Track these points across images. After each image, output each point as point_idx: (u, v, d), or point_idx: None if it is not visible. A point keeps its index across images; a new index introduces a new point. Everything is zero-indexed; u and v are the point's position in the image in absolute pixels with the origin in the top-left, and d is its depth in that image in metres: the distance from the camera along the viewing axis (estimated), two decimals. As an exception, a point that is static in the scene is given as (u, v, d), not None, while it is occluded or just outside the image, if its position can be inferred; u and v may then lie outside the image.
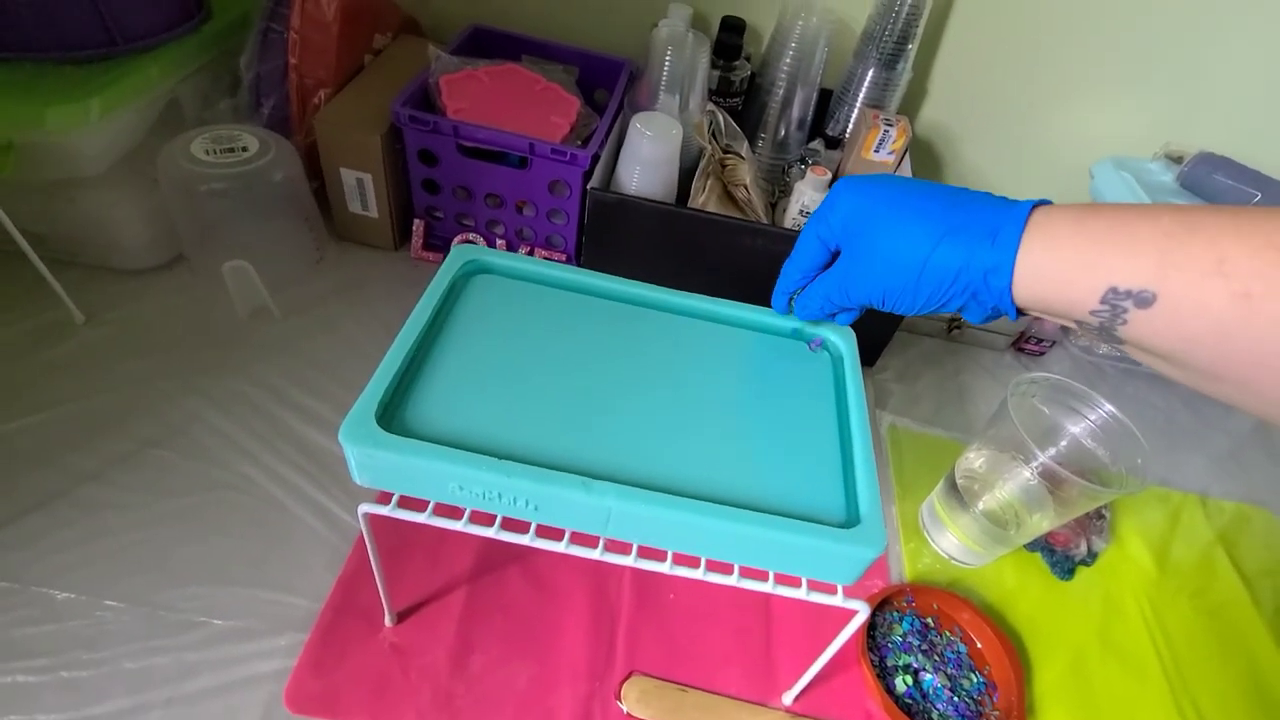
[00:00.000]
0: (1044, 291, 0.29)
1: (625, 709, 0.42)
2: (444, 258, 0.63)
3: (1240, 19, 0.69)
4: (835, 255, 0.37)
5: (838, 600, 0.33)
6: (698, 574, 0.33)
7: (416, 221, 0.69)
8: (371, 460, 0.31)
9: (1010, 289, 0.30)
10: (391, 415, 0.32)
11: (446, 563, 0.47)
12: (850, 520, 0.33)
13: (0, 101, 0.48)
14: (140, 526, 0.46)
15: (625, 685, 0.44)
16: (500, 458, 0.31)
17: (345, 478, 0.50)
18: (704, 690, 0.44)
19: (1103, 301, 0.27)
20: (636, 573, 0.49)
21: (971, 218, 0.30)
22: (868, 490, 0.34)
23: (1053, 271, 0.29)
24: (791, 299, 0.40)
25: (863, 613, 0.34)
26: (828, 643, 0.39)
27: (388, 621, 0.43)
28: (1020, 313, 0.31)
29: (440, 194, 0.67)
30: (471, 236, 0.69)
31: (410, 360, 0.35)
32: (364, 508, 0.33)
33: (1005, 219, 0.30)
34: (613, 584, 0.49)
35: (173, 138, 0.56)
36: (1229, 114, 0.76)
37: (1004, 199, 0.31)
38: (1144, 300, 0.26)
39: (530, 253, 0.69)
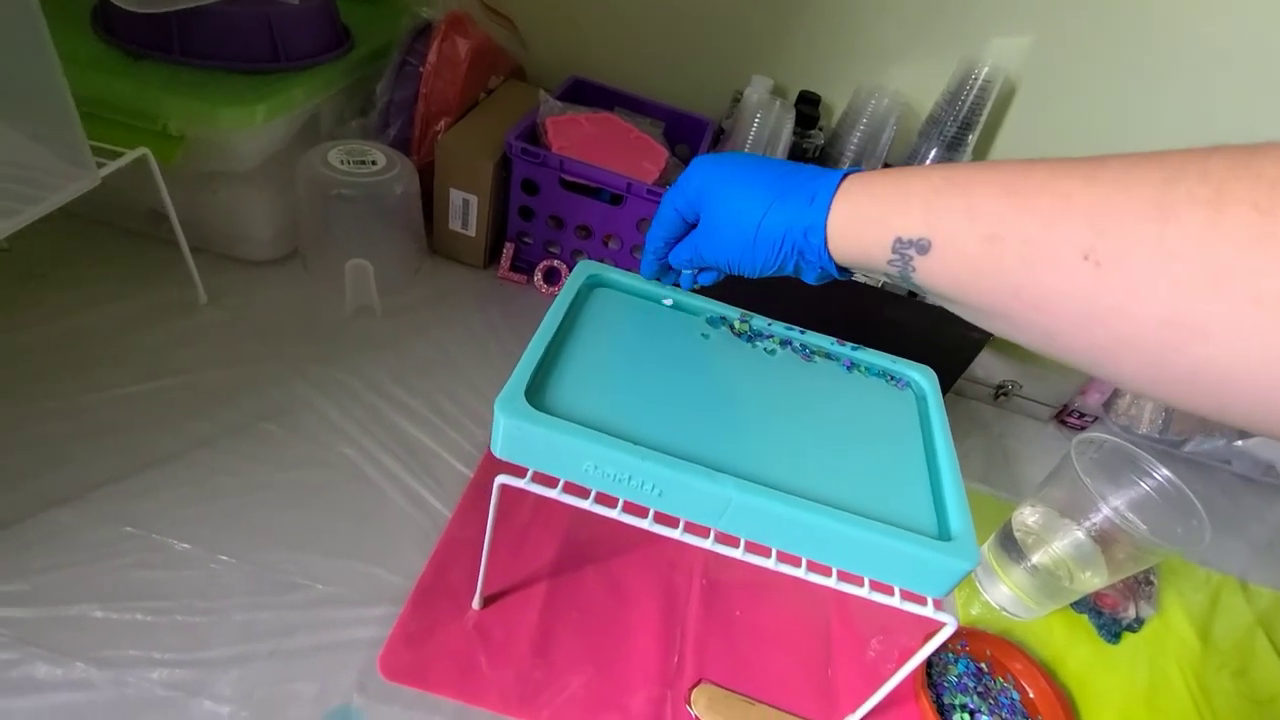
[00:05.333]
0: (850, 246, 0.33)
1: (694, 714, 0.44)
2: (527, 279, 0.68)
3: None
4: (693, 225, 0.40)
5: (928, 611, 0.36)
6: (799, 572, 0.36)
7: (508, 244, 0.74)
8: (519, 432, 0.34)
9: (825, 246, 0.33)
10: (534, 396, 0.36)
11: (528, 558, 0.50)
12: (943, 535, 0.35)
13: (183, 99, 0.54)
14: (249, 492, 0.48)
15: (694, 692, 0.45)
16: (630, 443, 0.34)
17: (436, 466, 0.54)
18: (770, 705, 0.46)
19: (894, 251, 0.30)
20: (705, 587, 0.51)
21: (797, 185, 0.34)
22: (958, 509, 0.36)
23: (854, 227, 0.32)
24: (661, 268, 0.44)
25: (951, 625, 0.36)
26: (883, 679, 0.41)
27: (475, 604, 0.46)
28: (843, 270, 0.35)
29: (534, 220, 0.72)
30: (556, 264, 0.74)
31: (546, 352, 0.39)
32: (501, 478, 0.36)
33: (821, 185, 0.33)
34: (682, 595, 0.51)
35: (308, 148, 0.62)
36: None
37: (827, 170, 0.35)
38: (922, 248, 0.29)
39: (609, 283, 0.74)
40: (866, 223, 0.32)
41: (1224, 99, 0.75)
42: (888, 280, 0.35)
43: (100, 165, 0.47)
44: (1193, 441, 0.78)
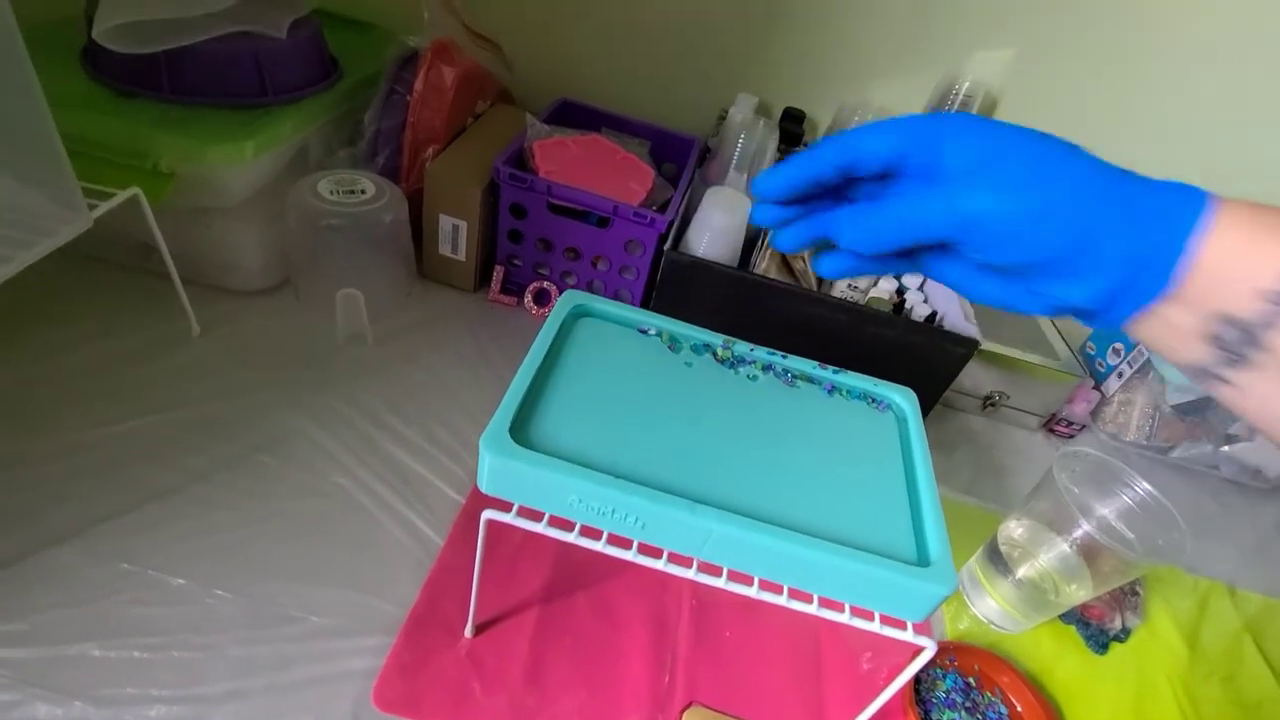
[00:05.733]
0: (1209, 286, 0.25)
1: (685, 736, 0.45)
2: (518, 301, 0.69)
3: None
4: (835, 190, 0.31)
5: (907, 635, 0.36)
6: (781, 600, 0.36)
7: (498, 267, 0.75)
8: (504, 468, 0.35)
9: (1171, 270, 0.25)
10: (518, 432, 0.37)
11: (519, 585, 0.50)
12: (921, 560, 0.36)
13: (172, 136, 0.55)
14: (244, 524, 0.49)
15: (686, 714, 0.46)
16: (613, 477, 0.35)
17: (428, 494, 0.54)
18: (759, 725, 0.46)
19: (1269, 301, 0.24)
20: (695, 608, 0.52)
21: (1133, 192, 0.26)
22: (936, 534, 0.37)
23: (1242, 234, 0.25)
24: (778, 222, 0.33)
25: (930, 649, 0.37)
26: (874, 694, 0.42)
27: (467, 632, 0.46)
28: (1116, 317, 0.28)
29: (523, 243, 0.73)
30: (546, 285, 0.75)
31: (531, 386, 0.39)
32: (487, 513, 0.37)
33: (1179, 198, 0.26)
34: (672, 617, 0.51)
35: (297, 178, 0.63)
36: None
37: (1163, 180, 0.27)
38: None
39: (599, 303, 0.75)
40: (1262, 231, 0.24)
41: (1205, 104, 0.77)
42: (1195, 369, 0.27)
43: (92, 206, 0.48)
44: (1180, 448, 0.79)
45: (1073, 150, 0.28)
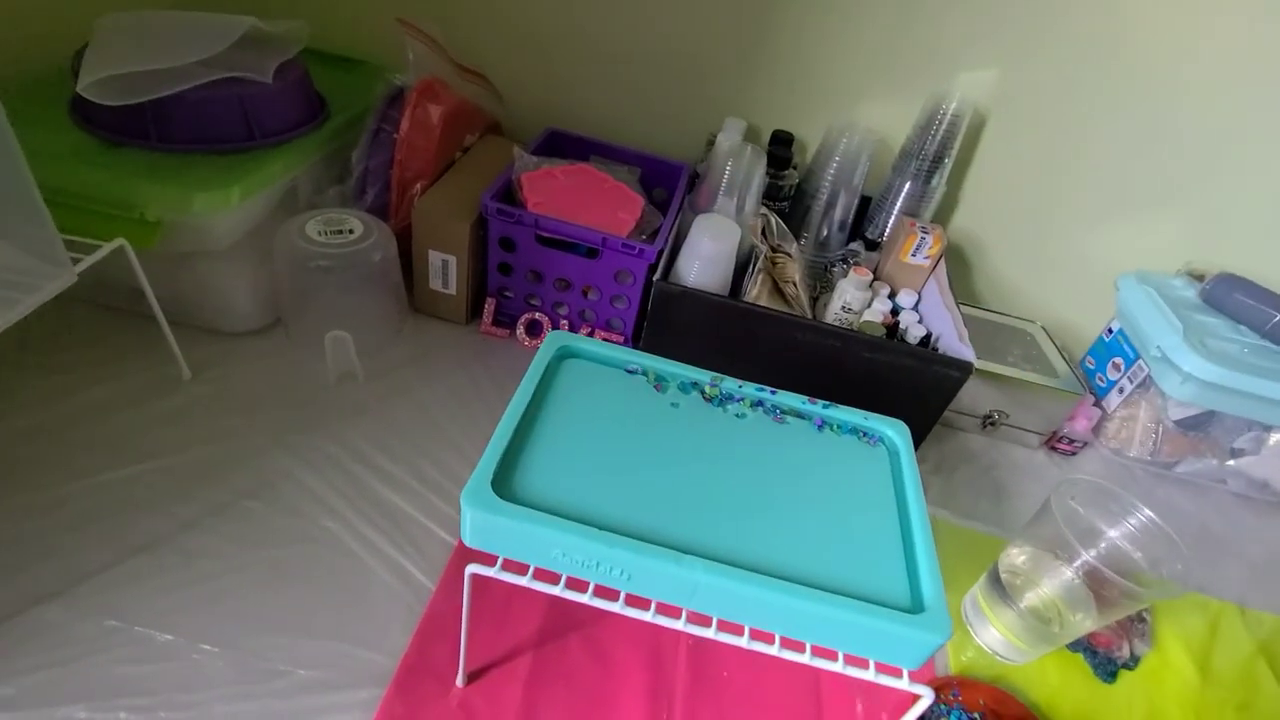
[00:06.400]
0: None
1: (683, 785, 0.44)
2: (510, 333, 0.69)
3: (1259, 147, 0.76)
4: None
5: (903, 684, 0.36)
6: (772, 650, 0.36)
7: (489, 300, 0.74)
8: (486, 523, 0.34)
9: None
10: (501, 484, 0.36)
11: (511, 630, 0.50)
12: (915, 606, 0.35)
13: (159, 185, 0.55)
14: (233, 573, 0.49)
15: (682, 761, 0.45)
16: (597, 529, 0.34)
17: (420, 537, 0.54)
18: (758, 771, 0.45)
19: None
20: (692, 650, 0.51)
21: None
22: (930, 578, 0.36)
23: None
24: None
25: (927, 697, 0.36)
26: None
27: (459, 681, 0.46)
28: None
29: (513, 276, 0.73)
30: (538, 316, 0.75)
31: (514, 435, 0.39)
32: (471, 568, 0.36)
33: None
34: (668, 659, 0.51)
35: (287, 218, 0.63)
36: (1248, 235, 0.82)
37: None
38: None
39: (591, 333, 0.75)
40: None
41: (1184, 117, 0.76)
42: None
43: (76, 260, 0.48)
44: (1184, 463, 0.78)
45: None
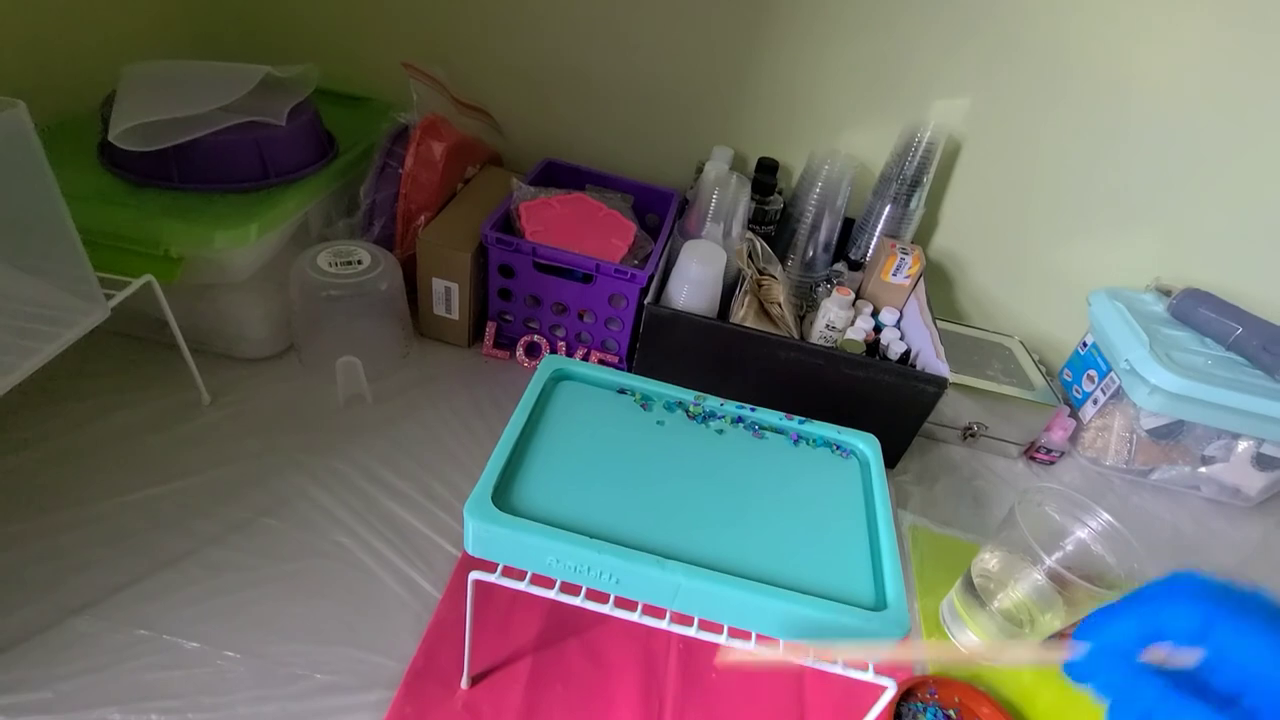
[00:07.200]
0: None
1: (673, 778, 0.47)
2: (510, 355, 0.73)
3: (1222, 169, 0.80)
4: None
5: (868, 676, 0.39)
6: (749, 646, 0.39)
7: (490, 324, 0.78)
8: (487, 533, 0.38)
9: None
10: (501, 497, 0.40)
11: (513, 634, 0.53)
12: (879, 604, 0.39)
13: (181, 224, 0.59)
14: (253, 586, 0.52)
15: None
16: (588, 537, 0.38)
17: (427, 550, 0.57)
18: (744, 765, 0.48)
19: None
20: (682, 652, 0.54)
21: None
22: (893, 579, 0.40)
23: None
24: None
25: (890, 689, 0.39)
26: None
27: (463, 684, 0.49)
28: None
29: (512, 301, 0.77)
30: (536, 338, 0.79)
31: (513, 452, 0.43)
32: (474, 575, 0.40)
33: None
34: (660, 661, 0.54)
35: (300, 249, 0.67)
36: (1214, 251, 0.86)
37: None
38: None
39: (587, 355, 0.78)
40: None
41: (1149, 138, 0.80)
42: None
43: (109, 296, 0.52)
44: (1158, 470, 0.81)
45: None
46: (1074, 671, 0.29)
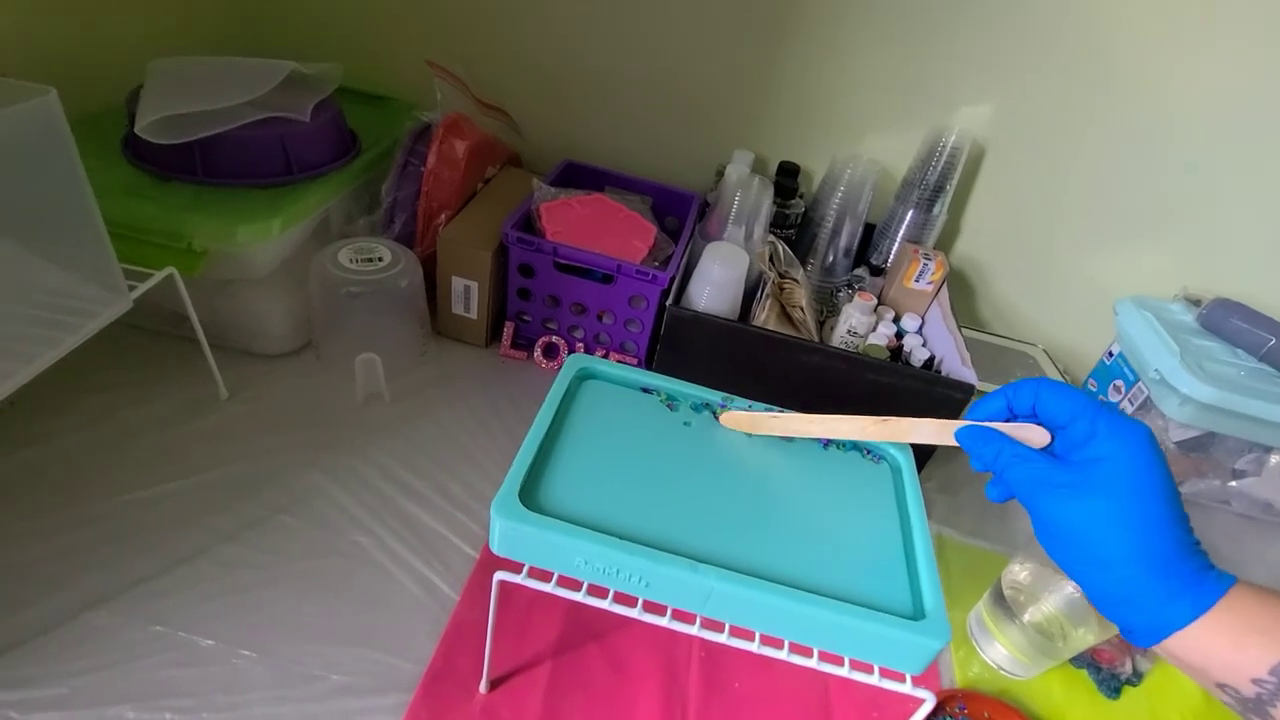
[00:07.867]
0: (1204, 650, 0.31)
1: (696, 790, 0.45)
2: (527, 355, 0.72)
3: (1254, 174, 0.78)
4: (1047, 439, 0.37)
5: (906, 688, 0.38)
6: (781, 654, 0.38)
7: (508, 324, 0.78)
8: (514, 532, 0.37)
9: (1162, 635, 0.32)
10: (527, 496, 0.39)
11: (532, 638, 0.52)
12: (917, 613, 0.37)
13: (205, 218, 0.59)
14: (268, 584, 0.51)
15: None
16: (617, 538, 0.37)
17: (443, 550, 0.56)
18: (769, 778, 0.47)
19: (1270, 673, 0.29)
20: (704, 659, 0.53)
21: (1176, 566, 0.32)
22: (931, 587, 0.39)
23: (1228, 637, 0.31)
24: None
25: (929, 701, 0.38)
26: None
27: (482, 688, 0.48)
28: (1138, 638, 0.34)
29: (531, 300, 0.76)
30: (554, 339, 0.78)
31: (539, 450, 0.42)
32: (499, 575, 0.39)
33: (1209, 586, 0.32)
34: (682, 669, 0.52)
35: (321, 245, 0.67)
36: (1244, 261, 0.84)
37: (1212, 567, 0.33)
38: None
39: (606, 355, 0.78)
40: (1250, 635, 0.30)
41: (1177, 145, 0.79)
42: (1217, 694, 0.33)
43: (131, 287, 0.51)
44: (1188, 484, 0.79)
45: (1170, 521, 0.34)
46: (959, 437, 0.40)
